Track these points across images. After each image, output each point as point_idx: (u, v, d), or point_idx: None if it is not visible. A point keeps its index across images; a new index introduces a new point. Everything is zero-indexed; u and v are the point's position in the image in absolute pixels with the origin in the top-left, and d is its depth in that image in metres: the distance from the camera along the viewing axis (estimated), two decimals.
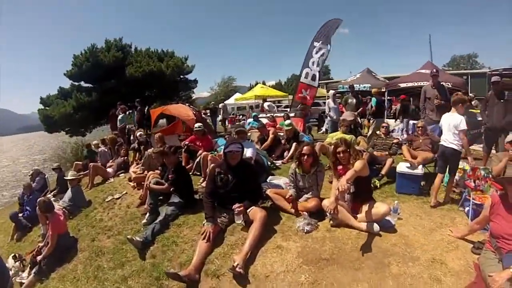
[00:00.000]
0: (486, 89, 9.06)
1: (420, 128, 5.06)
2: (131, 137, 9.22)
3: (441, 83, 5.98)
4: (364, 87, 10.90)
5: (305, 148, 3.74)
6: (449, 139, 3.93)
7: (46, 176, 8.09)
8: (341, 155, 3.45)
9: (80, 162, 8.86)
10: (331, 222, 3.44)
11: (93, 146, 9.72)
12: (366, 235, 3.20)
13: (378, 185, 4.54)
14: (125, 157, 7.78)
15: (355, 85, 10.21)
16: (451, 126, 3.92)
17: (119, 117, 11.08)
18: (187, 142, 6.31)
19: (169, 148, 4.75)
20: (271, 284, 2.77)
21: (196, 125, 6.75)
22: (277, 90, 24.61)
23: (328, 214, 3.28)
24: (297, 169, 3.85)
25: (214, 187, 3.61)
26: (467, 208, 3.65)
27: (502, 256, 2.46)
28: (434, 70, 6.09)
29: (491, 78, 5.32)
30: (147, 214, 4.47)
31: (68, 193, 6.13)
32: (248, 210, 3.41)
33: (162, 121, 13.19)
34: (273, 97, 19.73)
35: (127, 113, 11.52)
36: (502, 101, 5.01)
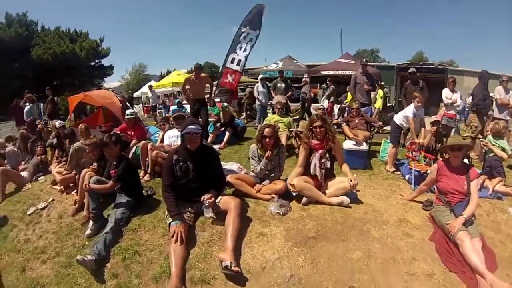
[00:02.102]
0: (393, 79, 11.16)
1: (355, 109, 5.67)
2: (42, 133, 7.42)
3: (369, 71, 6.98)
4: (287, 73, 11.46)
5: (266, 130, 3.74)
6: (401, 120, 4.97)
7: None
8: (318, 130, 3.54)
9: None
10: (302, 200, 3.51)
11: None
12: (338, 209, 3.42)
13: None
14: (43, 156, 6.26)
15: None
16: (404, 111, 5.00)
17: (26, 108, 9.34)
18: (118, 131, 5.44)
19: (109, 137, 4.01)
20: (271, 275, 2.66)
21: (128, 111, 5.98)
22: None
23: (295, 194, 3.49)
24: (258, 151, 3.82)
25: (173, 178, 3.22)
26: (407, 176, 4.37)
27: (452, 207, 3.08)
28: (364, 60, 7.19)
29: (408, 69, 6.46)
30: (90, 223, 3.70)
31: None
32: (217, 201, 3.16)
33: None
34: None
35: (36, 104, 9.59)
36: (418, 88, 6.13)
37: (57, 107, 9.93)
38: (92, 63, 19.76)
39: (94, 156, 4.41)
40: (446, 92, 6.47)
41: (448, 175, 3.20)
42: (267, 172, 3.83)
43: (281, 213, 3.30)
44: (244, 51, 8.46)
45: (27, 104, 9.47)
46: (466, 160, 3.99)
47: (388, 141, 5.19)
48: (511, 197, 4.00)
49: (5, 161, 6.56)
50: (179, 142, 4.69)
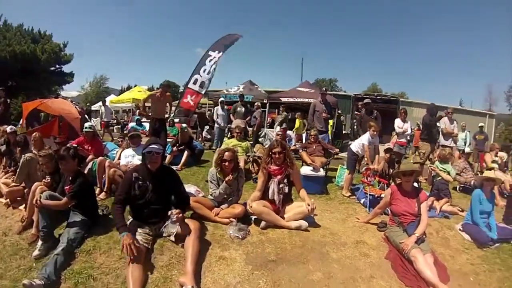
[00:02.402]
0: (350, 108, 11.84)
1: (313, 136, 5.88)
2: None
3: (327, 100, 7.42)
4: (247, 97, 11.59)
5: (226, 154, 3.78)
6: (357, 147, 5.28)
7: None
8: (277, 155, 3.64)
9: None
10: (261, 225, 3.53)
11: None
12: (297, 232, 3.48)
13: None
14: None
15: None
16: (360, 139, 5.34)
17: None
18: (75, 144, 5.08)
19: (66, 150, 3.74)
20: None
21: (86, 124, 5.73)
22: None
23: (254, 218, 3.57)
24: (217, 174, 3.84)
25: (127, 195, 3.13)
26: (363, 200, 4.62)
27: (405, 227, 3.32)
28: (324, 89, 7.83)
29: (363, 99, 7.06)
30: (39, 243, 3.37)
31: None
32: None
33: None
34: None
35: None
36: (372, 117, 6.69)
37: (9, 111, 9.05)
38: (52, 68, 18.69)
39: (48, 169, 4.09)
40: (398, 122, 7.05)
41: (401, 198, 3.45)
42: (225, 196, 3.83)
43: (240, 237, 3.29)
44: (208, 74, 8.60)
45: None
46: (416, 184, 4.32)
47: (344, 167, 5.47)
48: (457, 215, 4.43)
49: None
50: (135, 162, 4.64)
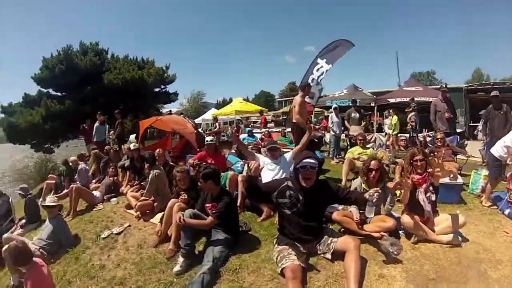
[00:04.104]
0: (463, 102, 12.08)
1: (440, 139, 6.28)
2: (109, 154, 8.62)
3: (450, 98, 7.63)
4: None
5: (372, 162, 4.24)
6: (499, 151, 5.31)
7: (10, 200, 6.99)
8: (419, 163, 4.03)
9: (53, 181, 7.93)
10: (412, 239, 4.03)
11: (71, 163, 8.66)
12: (448, 248, 3.90)
13: None
14: (115, 178, 7.18)
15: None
16: (502, 141, 5.35)
17: (96, 128, 11.34)
18: (196, 160, 6.06)
19: (209, 169, 4.27)
20: None
21: (208, 138, 6.63)
22: None
23: (403, 232, 4.05)
24: (363, 185, 4.31)
25: (268, 193, 3.60)
26: (507, 211, 4.87)
27: None
28: (444, 85, 7.98)
29: (491, 92, 7.13)
30: (180, 259, 3.95)
31: (48, 227, 5.27)
32: (334, 240, 3.56)
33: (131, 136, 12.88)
34: (252, 112, 21.69)
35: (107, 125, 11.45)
36: (501, 112, 6.80)
37: (124, 130, 11.65)
38: (158, 89, 23.42)
39: (184, 185, 4.78)
40: None
41: None
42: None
43: (395, 253, 3.57)
44: (317, 84, 9.31)
45: (97, 124, 11.12)
46: None
47: (479, 172, 5.73)
48: None
49: (77, 178, 7.58)
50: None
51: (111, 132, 11.96)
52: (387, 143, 11.22)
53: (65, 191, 7.21)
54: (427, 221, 4.08)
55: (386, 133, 11.88)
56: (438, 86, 13.85)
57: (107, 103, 17.66)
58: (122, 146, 8.69)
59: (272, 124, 19.49)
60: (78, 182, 7.39)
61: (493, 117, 6.92)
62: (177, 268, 3.87)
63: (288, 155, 5.34)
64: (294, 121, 6.45)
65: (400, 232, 4.18)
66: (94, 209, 6.42)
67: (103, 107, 15.32)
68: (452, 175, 5.26)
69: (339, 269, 3.47)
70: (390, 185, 4.35)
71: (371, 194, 3.34)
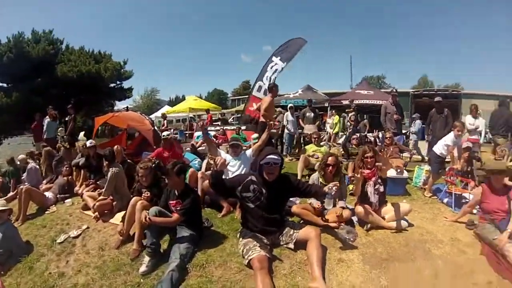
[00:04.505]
0: (408, 107, 13.01)
1: (389, 138, 6.93)
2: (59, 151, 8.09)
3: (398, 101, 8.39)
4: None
5: (330, 158, 4.60)
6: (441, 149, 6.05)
7: None
8: (369, 160, 4.48)
9: None
10: (366, 226, 4.43)
11: (19, 162, 7.95)
12: (397, 232, 4.36)
13: None
14: (69, 177, 6.68)
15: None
16: (443, 141, 6.10)
17: (46, 124, 10.34)
18: (153, 157, 5.89)
19: (173, 165, 4.18)
20: None
21: (164, 133, 6.60)
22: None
23: (357, 221, 4.47)
24: (320, 179, 4.65)
25: (233, 189, 3.75)
26: (446, 199, 5.54)
27: (497, 224, 4.09)
28: (394, 90, 8.88)
29: (422, 97, 8.04)
30: (146, 259, 3.84)
31: None
32: (296, 231, 3.79)
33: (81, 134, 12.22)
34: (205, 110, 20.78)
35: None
36: (443, 116, 7.68)
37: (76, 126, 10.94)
38: (113, 84, 22.75)
39: (146, 182, 4.65)
40: (469, 119, 7.94)
41: (492, 196, 4.24)
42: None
43: (352, 239, 3.94)
44: (269, 81, 9.58)
45: (48, 119, 10.17)
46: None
47: (422, 167, 6.43)
48: None
49: (25, 178, 7.05)
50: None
51: (60, 128, 11.12)
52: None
53: (11, 193, 6.83)
54: (378, 210, 4.53)
55: (327, 132, 12.47)
56: (389, 90, 15.04)
57: (59, 97, 17.20)
58: (76, 143, 8.14)
59: (219, 123, 19.30)
60: (26, 183, 6.88)
61: (436, 120, 7.82)
62: (143, 268, 3.77)
63: (248, 152, 5.56)
64: (261, 119, 6.80)
65: (354, 221, 4.59)
66: (47, 212, 5.97)
67: (54, 100, 14.81)
68: (399, 170, 5.80)
69: (302, 257, 3.69)
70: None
71: (330, 187, 3.60)
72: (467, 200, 5.18)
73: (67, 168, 6.85)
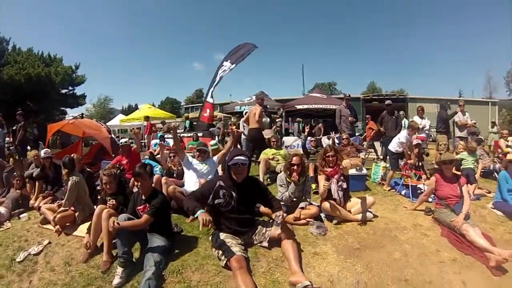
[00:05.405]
0: (360, 111, 13.79)
1: (345, 139, 7.33)
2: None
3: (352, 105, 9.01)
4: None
5: (294, 158, 4.77)
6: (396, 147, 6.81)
7: None
8: (331, 158, 4.76)
9: None
10: (334, 221, 4.64)
11: None
12: (364, 224, 4.64)
13: None
14: (23, 189, 6.15)
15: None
16: (397, 138, 6.93)
17: None
18: (115, 165, 5.59)
19: (142, 166, 4.08)
20: (341, 286, 3.46)
21: (122, 140, 6.43)
22: None
23: (325, 216, 4.70)
24: (287, 179, 4.80)
25: (205, 198, 3.77)
26: (404, 191, 6.01)
27: (452, 208, 4.55)
28: (347, 94, 9.36)
29: (372, 101, 8.81)
30: (119, 270, 3.64)
31: None
32: (268, 229, 3.87)
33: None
34: (161, 118, 20.29)
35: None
36: (394, 117, 8.39)
37: (26, 134, 9.93)
38: (65, 90, 21.18)
39: (110, 189, 4.47)
40: (416, 119, 8.78)
41: (444, 184, 4.71)
42: (294, 199, 4.76)
43: (323, 234, 4.26)
44: (216, 84, 9.83)
45: None
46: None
47: (379, 164, 6.92)
48: (485, 197, 5.90)
49: None
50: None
51: (6, 138, 10.36)
52: None
53: None
54: (343, 205, 4.79)
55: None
56: (341, 96, 15.81)
57: (6, 102, 16.04)
58: (27, 153, 7.58)
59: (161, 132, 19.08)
60: None
61: (387, 121, 8.52)
62: (117, 280, 3.57)
63: (215, 158, 5.77)
64: (255, 126, 7.30)
65: (322, 216, 4.79)
66: (0, 229, 5.40)
67: (0, 106, 13.69)
68: (358, 167, 6.14)
69: (277, 254, 3.77)
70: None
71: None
72: (422, 190, 5.67)
73: (18, 181, 6.33)
